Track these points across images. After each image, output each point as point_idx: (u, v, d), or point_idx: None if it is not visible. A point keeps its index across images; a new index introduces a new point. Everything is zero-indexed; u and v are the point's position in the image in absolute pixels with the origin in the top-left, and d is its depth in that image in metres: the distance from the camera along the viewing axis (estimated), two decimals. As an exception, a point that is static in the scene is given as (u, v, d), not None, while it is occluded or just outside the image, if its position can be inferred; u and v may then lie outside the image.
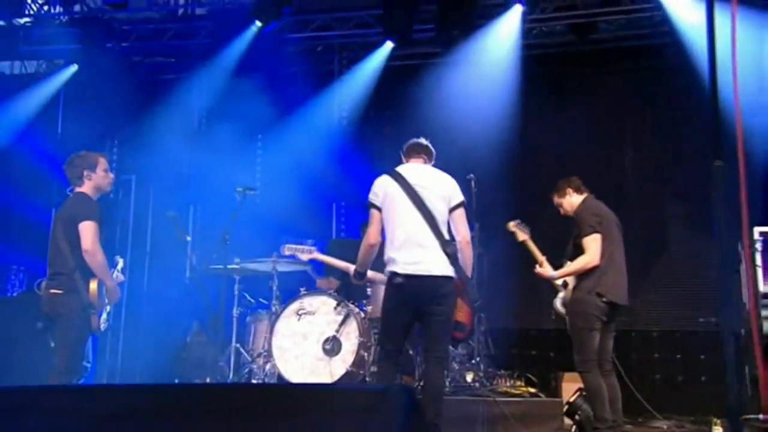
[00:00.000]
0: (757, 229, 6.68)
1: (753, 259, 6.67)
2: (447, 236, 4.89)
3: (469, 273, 5.00)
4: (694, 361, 8.04)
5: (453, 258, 4.83)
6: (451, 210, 4.99)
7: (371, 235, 4.99)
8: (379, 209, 4.96)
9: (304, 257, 6.39)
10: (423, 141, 5.28)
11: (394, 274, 4.81)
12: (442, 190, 5.01)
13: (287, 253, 6.42)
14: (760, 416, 6.27)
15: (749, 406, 6.71)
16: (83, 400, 1.34)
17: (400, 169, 5.09)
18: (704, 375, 8.00)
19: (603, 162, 8.49)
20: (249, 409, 1.34)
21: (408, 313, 4.85)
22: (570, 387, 7.46)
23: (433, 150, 5.28)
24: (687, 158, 8.29)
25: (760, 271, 6.56)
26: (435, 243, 4.82)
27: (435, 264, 4.79)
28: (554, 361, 8.15)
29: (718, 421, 6.70)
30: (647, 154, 8.59)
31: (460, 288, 4.99)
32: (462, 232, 4.98)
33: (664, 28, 8.16)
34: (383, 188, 4.99)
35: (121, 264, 5.82)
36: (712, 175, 2.76)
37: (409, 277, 4.75)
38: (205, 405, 1.35)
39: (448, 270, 4.83)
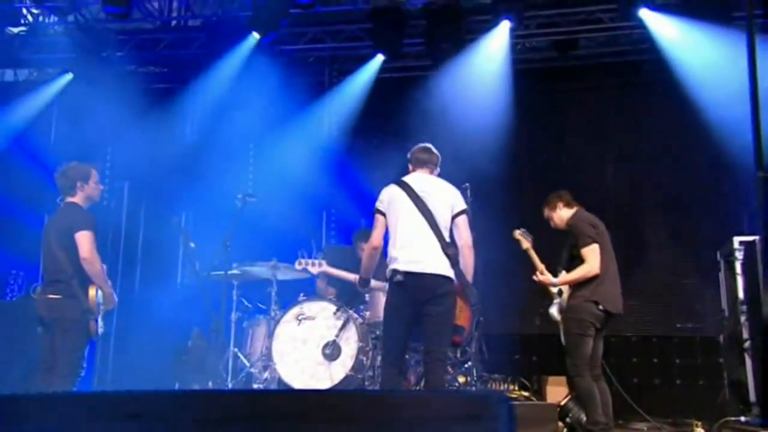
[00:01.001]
0: (736, 239, 6.77)
1: (733, 268, 6.77)
2: (448, 239, 4.89)
3: (470, 277, 4.96)
4: (669, 365, 8.10)
5: (453, 260, 4.83)
6: (455, 216, 4.99)
7: (374, 238, 5.02)
8: (383, 214, 4.98)
9: (315, 270, 6.46)
10: (430, 148, 5.25)
11: (394, 272, 4.80)
12: (445, 197, 5.03)
13: (299, 267, 6.46)
14: (742, 418, 6.37)
15: (729, 408, 6.80)
16: (183, 405, 1.26)
17: (406, 178, 5.11)
18: (679, 378, 8.07)
19: (585, 173, 8.53)
20: (350, 415, 1.27)
21: (409, 314, 4.80)
22: (554, 390, 7.46)
23: (438, 156, 5.26)
24: (666, 170, 8.37)
25: (740, 279, 6.66)
26: (436, 244, 4.83)
27: (434, 263, 4.79)
28: (537, 365, 8.15)
29: (699, 423, 6.74)
30: (627, 166, 8.66)
31: (461, 291, 4.94)
32: (464, 236, 4.98)
33: (642, 45, 8.25)
34: (388, 195, 5.02)
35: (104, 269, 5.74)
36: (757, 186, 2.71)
37: (408, 275, 4.74)
38: (303, 411, 1.28)
39: (447, 270, 4.81)
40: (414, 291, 4.76)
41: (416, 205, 4.89)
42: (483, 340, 6.13)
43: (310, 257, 6.48)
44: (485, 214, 6.94)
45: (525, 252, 6.13)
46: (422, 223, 4.86)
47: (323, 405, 1.29)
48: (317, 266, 6.39)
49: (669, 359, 8.12)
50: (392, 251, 4.88)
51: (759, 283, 6.12)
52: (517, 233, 6.25)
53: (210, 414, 1.25)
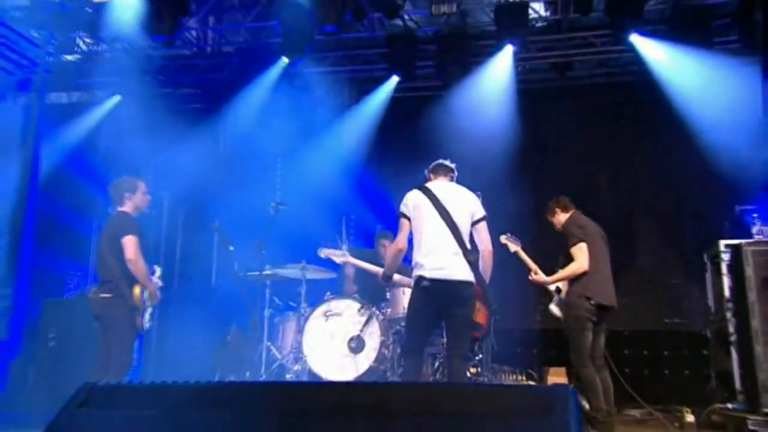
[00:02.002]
0: (722, 242, 6.68)
1: (719, 269, 6.68)
2: (469, 246, 4.80)
3: (488, 278, 4.90)
4: (658, 357, 8.06)
5: (474, 265, 4.76)
6: (475, 223, 4.89)
7: (400, 241, 4.87)
8: (408, 218, 4.85)
9: (339, 260, 6.40)
10: (447, 162, 5.18)
11: (421, 278, 4.69)
12: (465, 204, 4.92)
13: (323, 255, 6.37)
14: (728, 405, 6.28)
15: (716, 396, 6.72)
16: (272, 396, 1.22)
17: (428, 185, 4.99)
18: (667, 369, 8.03)
19: (581, 181, 8.54)
20: (430, 408, 1.22)
21: (432, 313, 4.76)
22: (554, 380, 7.40)
23: (455, 170, 5.19)
24: (656, 179, 8.35)
25: (725, 279, 6.56)
26: (458, 250, 4.73)
27: (457, 269, 4.70)
28: (537, 357, 8.10)
29: (688, 410, 6.66)
30: (620, 175, 8.69)
31: (480, 292, 4.88)
32: (485, 242, 4.89)
33: (631, 67, 8.28)
34: (413, 200, 4.88)
35: (159, 272, 5.81)
36: None
37: (434, 281, 4.65)
38: (383, 404, 1.23)
39: (468, 275, 4.73)
40: (439, 295, 4.68)
41: (439, 211, 4.78)
42: (494, 335, 6.08)
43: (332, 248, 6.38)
44: (490, 219, 6.90)
45: (515, 255, 6.06)
46: (445, 230, 4.74)
47: (402, 398, 1.24)
48: (341, 257, 6.30)
49: (658, 351, 8.10)
50: (417, 257, 4.76)
51: (744, 283, 6.06)
52: (503, 238, 6.15)
53: (291, 405, 1.21)
